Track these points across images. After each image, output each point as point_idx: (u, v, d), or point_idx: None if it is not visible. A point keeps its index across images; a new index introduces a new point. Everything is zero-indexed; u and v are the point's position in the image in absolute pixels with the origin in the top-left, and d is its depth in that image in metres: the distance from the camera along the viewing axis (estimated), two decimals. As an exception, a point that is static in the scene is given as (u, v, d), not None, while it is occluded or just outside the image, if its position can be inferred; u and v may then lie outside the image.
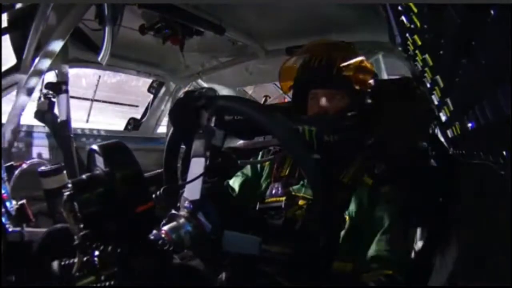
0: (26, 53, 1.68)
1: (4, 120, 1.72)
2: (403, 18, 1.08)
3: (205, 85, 2.92)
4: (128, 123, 3.00)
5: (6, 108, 1.80)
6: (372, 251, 1.01)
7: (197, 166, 0.82)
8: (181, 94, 2.90)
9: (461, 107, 0.94)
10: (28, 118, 2.06)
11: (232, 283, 0.81)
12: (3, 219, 1.12)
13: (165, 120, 3.06)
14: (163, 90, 2.95)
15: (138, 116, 3.07)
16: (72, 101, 2.17)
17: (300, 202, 1.14)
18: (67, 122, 2.09)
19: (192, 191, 0.81)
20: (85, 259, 0.67)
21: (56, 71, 2.04)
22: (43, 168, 1.46)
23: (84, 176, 0.69)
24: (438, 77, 1.02)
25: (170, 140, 1.01)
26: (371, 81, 1.23)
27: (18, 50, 1.72)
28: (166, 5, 1.72)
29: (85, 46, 2.09)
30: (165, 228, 0.77)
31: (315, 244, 0.74)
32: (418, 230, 1.33)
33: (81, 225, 0.67)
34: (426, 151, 1.34)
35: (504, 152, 0.65)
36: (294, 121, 1.13)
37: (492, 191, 0.75)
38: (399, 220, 1.05)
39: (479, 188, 0.86)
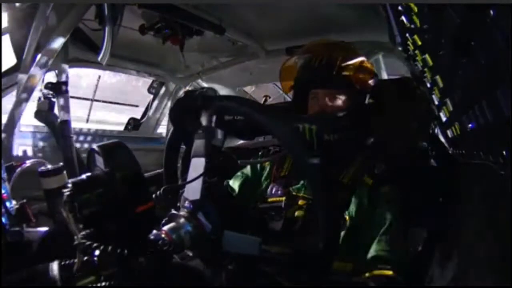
0: (26, 53, 1.68)
1: (4, 120, 1.72)
2: (403, 18, 1.08)
3: (205, 85, 2.92)
4: (128, 123, 3.00)
5: (6, 108, 1.80)
6: (372, 251, 1.01)
7: (197, 166, 0.82)
8: (181, 94, 2.90)
9: (461, 107, 0.94)
10: (28, 118, 2.06)
11: (232, 283, 0.81)
12: (3, 219, 1.12)
13: (165, 120, 3.06)
14: (163, 90, 2.95)
15: (138, 116, 3.07)
16: (72, 101, 2.16)
17: (300, 202, 1.14)
18: (67, 122, 2.09)
19: (192, 191, 0.81)
20: (85, 259, 0.67)
21: (56, 71, 2.04)
22: (43, 168, 1.46)
23: (84, 176, 0.69)
24: (438, 77, 1.03)
25: (170, 140, 1.01)
26: (371, 81, 1.23)
27: (18, 50, 1.72)
28: (166, 5, 1.72)
29: (85, 46, 2.09)
30: (165, 228, 0.77)
31: (315, 244, 0.74)
32: (418, 230, 1.33)
33: (81, 225, 0.67)
34: (426, 151, 1.34)
35: (504, 152, 0.65)
36: (294, 120, 1.13)
37: (492, 191, 0.75)
38: (399, 220, 1.05)
39: (479, 188, 0.86)
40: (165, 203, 0.83)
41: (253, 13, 1.93)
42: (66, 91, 2.07)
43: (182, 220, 0.79)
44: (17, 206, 1.31)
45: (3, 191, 1.25)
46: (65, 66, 2.05)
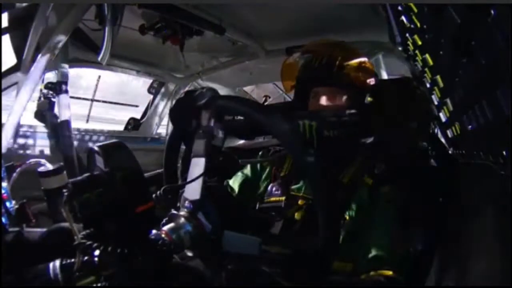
0: (26, 53, 1.68)
1: (4, 120, 1.72)
2: (403, 18, 1.08)
3: (205, 85, 2.92)
4: (128, 123, 3.00)
5: (6, 108, 1.80)
6: (372, 251, 1.00)
7: (197, 166, 0.82)
8: (181, 94, 2.90)
9: (461, 107, 0.94)
10: (28, 118, 2.06)
11: (232, 283, 0.81)
12: (3, 219, 1.12)
13: (165, 120, 3.06)
14: (163, 90, 2.95)
15: (138, 116, 3.07)
16: (72, 100, 2.17)
17: (300, 202, 1.13)
18: (67, 122, 2.09)
19: (192, 191, 0.81)
20: (85, 259, 0.67)
21: (56, 71, 2.04)
22: (43, 168, 1.46)
23: (84, 176, 0.69)
24: (438, 77, 1.03)
25: (170, 140, 1.01)
26: (372, 81, 1.24)
27: (18, 50, 1.72)
28: (166, 5, 1.72)
29: (85, 46, 2.09)
30: (165, 228, 0.77)
31: (315, 244, 0.74)
32: (418, 230, 1.33)
33: (81, 225, 0.67)
34: (426, 151, 1.34)
35: (504, 152, 0.65)
36: (294, 117, 1.13)
37: (492, 191, 0.75)
38: (399, 220, 1.05)
39: (479, 188, 0.86)
40: (165, 203, 0.83)
41: (253, 13, 1.93)
42: (66, 91, 2.08)
43: (182, 220, 0.79)
44: (17, 206, 1.31)
45: (3, 191, 1.25)
46: (65, 66, 2.05)
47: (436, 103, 1.18)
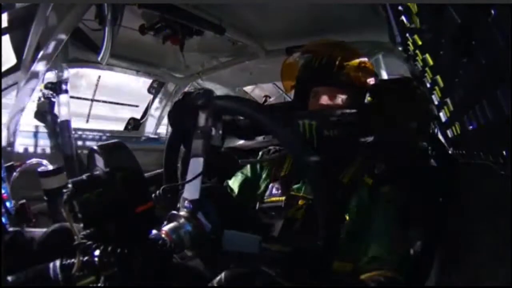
0: (26, 53, 1.68)
1: (4, 120, 1.72)
2: (403, 18, 1.08)
3: (205, 85, 2.92)
4: (128, 123, 3.00)
5: (6, 108, 1.80)
6: (372, 251, 1.00)
7: (196, 166, 0.82)
8: (180, 94, 2.90)
9: (461, 107, 0.94)
10: (28, 118, 2.06)
11: (232, 283, 0.81)
12: (3, 219, 1.12)
13: (165, 120, 3.06)
14: (163, 90, 2.95)
15: (138, 116, 3.07)
16: (72, 100, 2.17)
17: (300, 202, 1.13)
18: (67, 122, 2.09)
19: (191, 191, 0.81)
20: (85, 259, 0.67)
21: (56, 71, 2.04)
22: (43, 168, 1.46)
23: (84, 176, 0.69)
24: (438, 77, 1.03)
25: (170, 140, 1.01)
26: (371, 81, 1.24)
27: (18, 50, 1.72)
28: (166, 5, 1.72)
29: (85, 46, 2.09)
30: (165, 228, 0.77)
31: (315, 244, 0.74)
32: (418, 230, 1.33)
33: (81, 225, 0.67)
34: (426, 151, 1.34)
35: (504, 152, 0.65)
36: (294, 117, 1.13)
37: (492, 191, 0.75)
38: (399, 220, 1.05)
39: (479, 188, 0.86)
40: (165, 203, 0.83)
41: (253, 13, 1.93)
42: (66, 91, 2.08)
43: (182, 220, 0.79)
44: (17, 206, 1.31)
45: (3, 191, 1.25)
46: (65, 66, 2.05)
47: (436, 103, 1.18)
